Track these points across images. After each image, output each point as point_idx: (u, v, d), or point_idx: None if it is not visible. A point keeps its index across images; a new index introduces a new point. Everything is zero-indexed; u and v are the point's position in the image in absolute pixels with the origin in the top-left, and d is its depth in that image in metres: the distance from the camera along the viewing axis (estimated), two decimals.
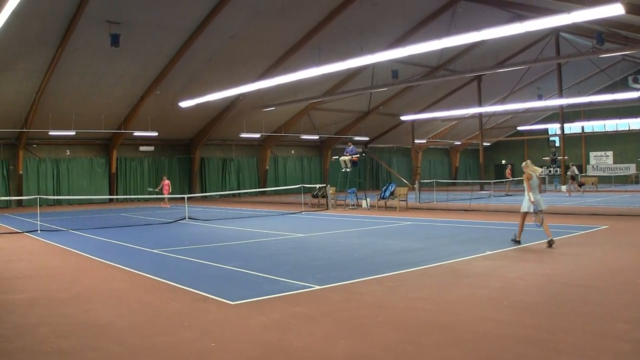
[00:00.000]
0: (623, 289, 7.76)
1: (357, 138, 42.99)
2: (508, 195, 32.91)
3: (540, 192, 12.53)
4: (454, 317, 6.46)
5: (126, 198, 34.79)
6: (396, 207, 23.70)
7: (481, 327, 6.01)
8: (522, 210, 12.27)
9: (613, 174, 46.91)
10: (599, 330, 5.77)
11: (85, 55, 25.12)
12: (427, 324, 6.22)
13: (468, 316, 6.46)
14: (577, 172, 36.62)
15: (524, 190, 12.11)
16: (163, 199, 30.26)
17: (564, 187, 35.89)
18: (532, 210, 11.95)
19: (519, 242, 12.11)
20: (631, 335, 5.61)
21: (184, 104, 28.54)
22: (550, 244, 11.55)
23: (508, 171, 37.34)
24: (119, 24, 22.87)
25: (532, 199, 11.90)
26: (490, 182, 36.99)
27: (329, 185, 27.25)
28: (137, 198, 34.68)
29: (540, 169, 12.61)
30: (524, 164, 12.38)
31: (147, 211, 26.55)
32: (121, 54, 25.03)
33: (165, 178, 30.36)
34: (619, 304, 6.87)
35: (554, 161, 40.60)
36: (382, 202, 24.76)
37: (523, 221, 12.31)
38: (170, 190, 30.48)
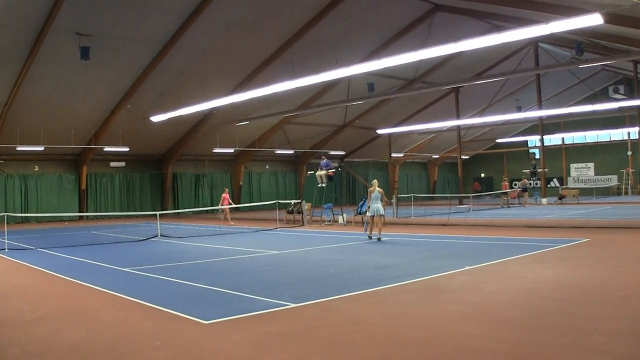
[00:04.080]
0: (604, 301, 7.72)
1: (332, 152, 42.58)
2: (504, 207, 32.88)
3: (386, 205, 17.55)
4: (432, 332, 6.45)
5: (96, 215, 33.96)
6: None
7: (459, 342, 5.98)
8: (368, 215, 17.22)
9: (594, 186, 46.76)
10: (578, 344, 5.81)
11: (55, 69, 24.50)
12: (405, 340, 6.17)
13: (446, 332, 6.42)
14: (528, 185, 37.84)
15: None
16: (222, 215, 27.81)
17: (544, 200, 35.78)
18: (372, 214, 16.75)
19: (370, 238, 16.80)
20: (609, 347, 5.63)
21: (156, 118, 27.81)
22: (378, 239, 16.46)
23: (504, 184, 37.22)
24: (89, 36, 22.29)
25: (369, 207, 16.87)
26: (469, 196, 36.78)
27: (304, 201, 26.77)
28: (108, 215, 33.88)
29: (379, 189, 16.94)
30: (372, 182, 17.26)
31: (118, 229, 25.86)
32: (91, 67, 24.36)
33: (226, 190, 28.57)
34: (600, 317, 6.86)
35: (534, 174, 40.50)
36: (358, 218, 24.25)
37: (372, 222, 16.95)
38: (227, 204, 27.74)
